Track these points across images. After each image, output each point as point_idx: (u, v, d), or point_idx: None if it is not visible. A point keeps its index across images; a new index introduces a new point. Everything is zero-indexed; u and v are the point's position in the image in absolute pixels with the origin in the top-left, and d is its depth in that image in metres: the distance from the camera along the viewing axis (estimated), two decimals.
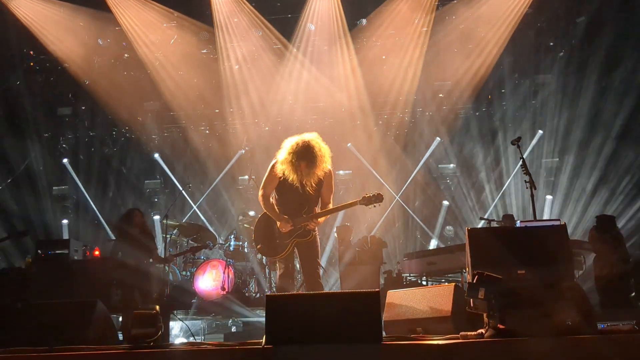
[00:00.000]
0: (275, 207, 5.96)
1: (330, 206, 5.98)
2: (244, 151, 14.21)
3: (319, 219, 5.89)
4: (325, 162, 5.80)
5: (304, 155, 5.68)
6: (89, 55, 13.03)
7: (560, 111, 12.79)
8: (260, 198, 6.02)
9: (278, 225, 5.86)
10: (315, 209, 5.94)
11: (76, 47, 12.81)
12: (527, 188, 7.08)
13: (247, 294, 9.29)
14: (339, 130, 13.40)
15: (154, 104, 14.03)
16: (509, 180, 13.22)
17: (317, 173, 5.76)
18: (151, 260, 8.72)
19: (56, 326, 4.85)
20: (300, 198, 5.86)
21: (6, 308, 5.42)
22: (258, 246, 6.08)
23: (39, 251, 8.88)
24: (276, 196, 6.02)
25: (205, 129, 14.35)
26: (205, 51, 13.29)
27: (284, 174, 5.80)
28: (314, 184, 5.82)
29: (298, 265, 6.87)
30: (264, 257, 9.74)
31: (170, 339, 8.06)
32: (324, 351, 3.77)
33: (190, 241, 10.29)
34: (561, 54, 12.59)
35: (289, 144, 5.82)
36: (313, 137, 5.81)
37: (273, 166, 5.92)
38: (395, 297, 5.31)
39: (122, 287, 8.24)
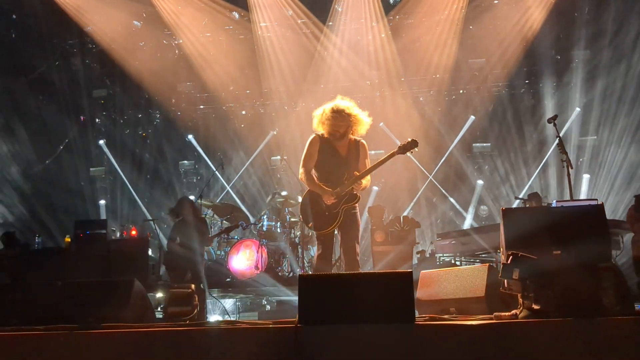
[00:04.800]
0: (317, 182, 6.00)
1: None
2: (274, 132, 14.26)
3: (361, 181, 5.91)
4: (358, 117, 6.04)
5: (338, 112, 5.97)
6: (123, 37, 13.15)
7: (599, 88, 12.48)
8: (301, 176, 6.07)
9: (324, 199, 5.90)
10: (354, 175, 5.97)
11: (111, 29, 12.96)
12: (563, 167, 6.96)
13: (280, 273, 9.37)
14: (371, 110, 13.23)
15: (187, 85, 14.15)
16: (545, 159, 12.99)
17: (352, 127, 6.01)
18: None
19: (94, 305, 4.97)
20: (339, 168, 5.96)
21: (47, 286, 5.57)
22: (309, 224, 6.05)
23: (78, 231, 9.09)
24: (316, 173, 6.06)
25: (238, 110, 14.41)
26: (236, 31, 13.31)
27: (323, 141, 5.98)
28: (350, 148, 6.02)
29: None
30: (297, 237, 9.82)
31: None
32: (356, 331, 3.78)
33: (224, 221, 10.40)
34: (599, 28, 12.24)
35: (322, 109, 6.09)
36: (344, 102, 6.13)
37: (311, 142, 6.05)
38: (429, 277, 5.29)
39: (174, 269, 8.47)
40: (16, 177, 13.12)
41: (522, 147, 13.34)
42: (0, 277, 8.82)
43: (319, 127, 6.05)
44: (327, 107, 6.02)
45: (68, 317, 4.68)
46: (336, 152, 6.02)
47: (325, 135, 6.02)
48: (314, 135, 6.09)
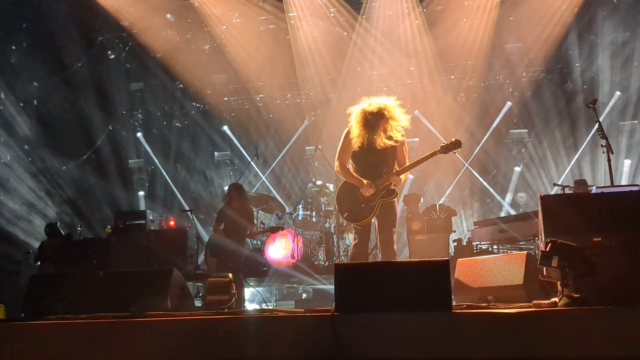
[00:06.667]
0: (355, 174, 5.97)
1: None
2: (307, 122, 14.29)
3: (400, 176, 5.86)
4: (396, 120, 5.82)
5: (375, 114, 5.75)
6: (158, 31, 13.30)
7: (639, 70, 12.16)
8: (337, 168, 6.06)
9: (361, 190, 5.86)
10: (394, 169, 5.93)
11: (145, 22, 13.11)
12: (603, 152, 6.82)
13: (316, 262, 9.42)
14: (406, 98, 13.17)
15: (221, 77, 14.25)
16: (584, 144, 12.72)
17: (389, 130, 5.78)
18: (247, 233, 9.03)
19: (135, 294, 5.07)
20: (377, 162, 5.90)
21: (89, 276, 5.70)
22: (345, 214, 6.04)
23: (118, 222, 9.27)
24: (353, 165, 6.03)
25: (272, 100, 14.46)
26: (269, 21, 13.33)
27: (358, 137, 5.83)
28: (387, 145, 5.81)
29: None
30: (332, 226, 9.84)
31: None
32: (393, 319, 3.78)
33: (260, 211, 10.48)
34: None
35: (359, 107, 5.90)
36: (381, 99, 5.89)
37: (346, 134, 5.97)
38: (466, 266, 5.25)
39: (217, 255, 8.59)
40: (58, 170, 13.44)
41: (561, 132, 13.07)
42: (44, 267, 9.09)
43: (356, 125, 5.88)
44: (359, 109, 5.87)
45: (110, 306, 4.79)
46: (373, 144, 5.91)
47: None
48: (348, 128, 6.00)
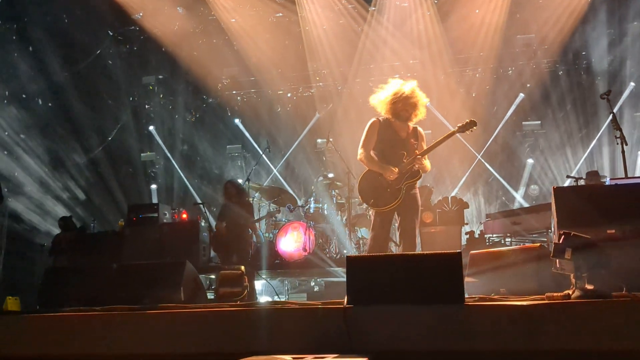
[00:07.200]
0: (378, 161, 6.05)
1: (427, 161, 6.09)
2: (318, 115, 14.27)
3: (423, 160, 5.95)
4: (421, 106, 6.05)
5: (406, 99, 5.96)
6: (169, 23, 13.32)
7: None
8: (361, 157, 6.08)
9: (385, 175, 5.90)
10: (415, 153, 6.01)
11: (156, 15, 13.12)
12: (617, 144, 6.76)
13: (328, 255, 9.41)
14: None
15: (233, 70, 14.25)
16: (598, 135, 12.61)
17: (416, 116, 6.04)
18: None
19: (148, 286, 5.10)
20: (399, 149, 5.99)
21: (103, 269, 5.75)
22: (370, 201, 6.04)
23: (131, 215, 9.34)
24: (376, 153, 6.08)
25: (283, 93, 14.46)
26: (281, 14, 13.31)
27: (386, 119, 6.04)
28: (410, 134, 6.07)
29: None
30: (344, 218, 9.83)
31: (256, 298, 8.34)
32: (405, 312, 3.78)
33: (271, 204, 10.51)
34: None
35: (389, 91, 6.07)
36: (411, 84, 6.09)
37: (370, 125, 6.10)
38: (478, 258, 5.24)
39: (220, 251, 8.67)
40: (71, 163, 13.52)
41: (574, 124, 12.97)
42: (58, 260, 9.18)
43: (382, 106, 6.05)
44: (402, 89, 5.99)
45: (124, 298, 4.83)
46: (396, 135, 6.05)
47: (390, 117, 6.04)
48: (374, 119, 6.13)
